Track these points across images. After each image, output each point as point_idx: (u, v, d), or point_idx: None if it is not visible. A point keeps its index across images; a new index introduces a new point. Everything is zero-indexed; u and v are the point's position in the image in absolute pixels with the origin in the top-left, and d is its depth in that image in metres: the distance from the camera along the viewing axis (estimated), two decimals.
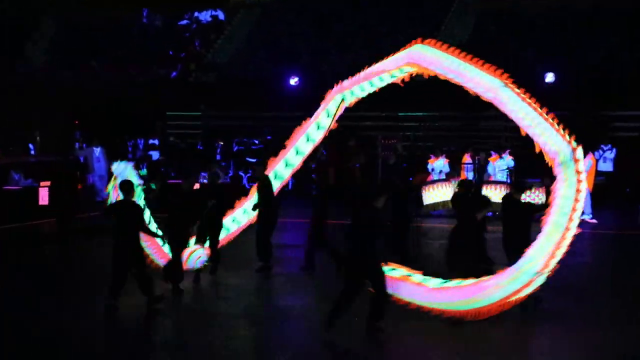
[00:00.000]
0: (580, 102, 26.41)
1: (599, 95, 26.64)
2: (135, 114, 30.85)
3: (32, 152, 28.82)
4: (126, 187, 11.85)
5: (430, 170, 23.11)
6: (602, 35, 30.34)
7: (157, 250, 13.89)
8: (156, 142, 29.95)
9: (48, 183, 20.79)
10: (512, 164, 22.18)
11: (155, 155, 28.87)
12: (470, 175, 22.73)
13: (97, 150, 25.76)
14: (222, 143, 27.77)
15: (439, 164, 23.23)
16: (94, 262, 15.92)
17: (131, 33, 37.51)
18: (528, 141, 25.46)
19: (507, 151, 22.55)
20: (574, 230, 10.64)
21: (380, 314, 10.31)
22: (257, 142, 28.02)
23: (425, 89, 29.04)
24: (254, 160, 26.61)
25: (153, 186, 21.44)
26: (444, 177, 22.59)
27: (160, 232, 13.15)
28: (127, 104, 31.27)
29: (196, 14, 37.18)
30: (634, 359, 9.81)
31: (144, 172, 21.67)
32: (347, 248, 10.62)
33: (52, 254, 17.12)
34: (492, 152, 22.91)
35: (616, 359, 9.79)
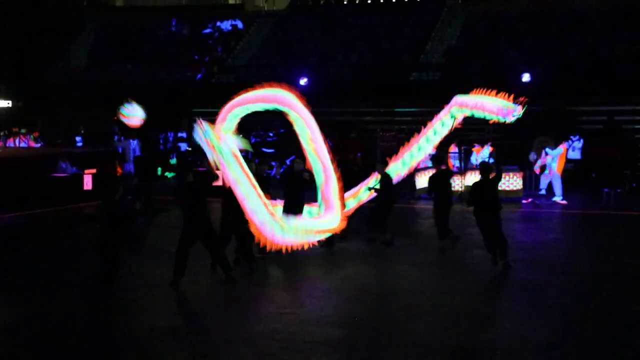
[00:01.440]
0: (552, 99, 26.38)
1: (569, 92, 26.61)
2: (166, 110, 30.88)
3: (80, 144, 28.90)
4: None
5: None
6: (573, 37, 30.26)
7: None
8: (184, 135, 30.02)
9: (92, 170, 20.95)
10: (492, 154, 22.27)
11: (183, 146, 28.95)
12: (457, 163, 22.79)
13: (133, 143, 25.84)
14: (240, 135, 27.79)
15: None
16: (128, 236, 16.12)
17: (162, 40, 37.55)
18: (507, 133, 25.62)
19: (489, 143, 22.60)
20: None
21: None
22: (271, 134, 28.05)
23: (417, 88, 29.26)
24: (269, 150, 26.68)
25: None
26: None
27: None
28: (158, 101, 31.32)
29: (218, 23, 37.16)
30: (609, 321, 9.79)
31: (174, 161, 21.72)
32: None
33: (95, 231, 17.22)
34: (476, 144, 22.95)
35: (592, 321, 9.78)
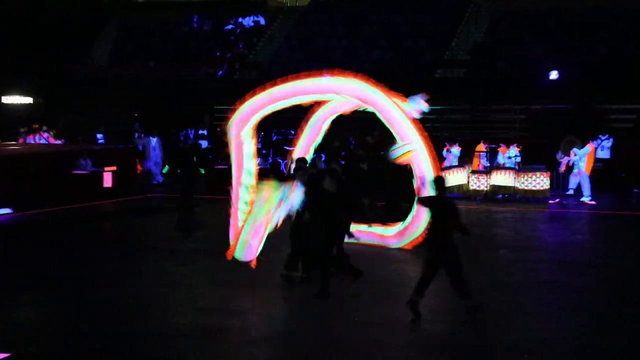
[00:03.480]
0: (580, 97, 26.15)
1: (597, 90, 26.35)
2: (187, 107, 31.03)
3: (102, 141, 29.12)
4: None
5: (445, 155, 22.99)
6: (603, 34, 29.98)
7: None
8: (205, 132, 30.11)
9: (112, 168, 21.08)
10: (518, 153, 22.16)
11: (204, 144, 29.04)
12: (484, 162, 22.69)
13: (154, 140, 25.98)
14: (262, 133, 27.84)
15: (455, 151, 23.14)
16: (150, 234, 16.22)
17: (183, 36, 37.70)
18: (534, 132, 25.45)
19: (515, 144, 22.51)
20: None
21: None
22: (293, 132, 28.01)
23: (442, 86, 29.12)
24: (291, 148, 26.65)
25: (202, 171, 21.66)
26: (457, 163, 22.59)
27: None
28: (180, 98, 31.47)
29: (240, 19, 37.25)
30: (634, 322, 9.69)
31: (195, 159, 21.79)
32: None
33: (115, 229, 17.34)
34: (502, 144, 22.85)
35: (620, 325, 9.65)
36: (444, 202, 9.94)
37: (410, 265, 12.96)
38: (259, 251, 11.42)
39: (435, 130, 26.34)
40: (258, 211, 11.30)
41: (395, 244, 13.91)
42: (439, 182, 10.18)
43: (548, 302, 10.62)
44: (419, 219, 13.31)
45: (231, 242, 11.75)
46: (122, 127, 30.83)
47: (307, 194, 11.11)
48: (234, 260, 11.76)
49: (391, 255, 13.55)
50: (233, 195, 12.09)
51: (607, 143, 24.46)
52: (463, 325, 9.55)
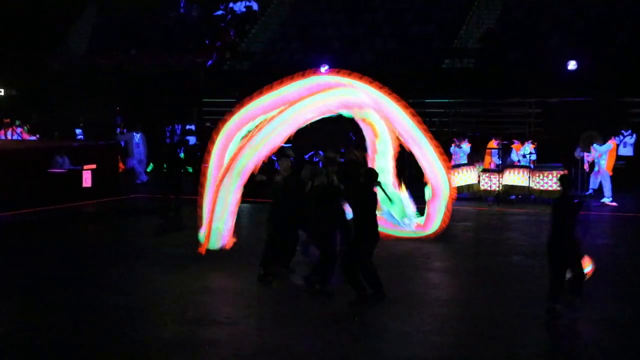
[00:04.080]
0: (601, 89, 26.16)
1: (620, 82, 26.36)
2: (173, 100, 31.01)
3: (80, 137, 29.10)
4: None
5: (453, 152, 23.00)
6: (625, 22, 29.97)
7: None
8: (193, 127, 30.11)
9: (92, 166, 21.07)
10: (533, 151, 22.12)
11: (192, 140, 29.04)
12: (496, 160, 22.70)
13: (137, 136, 25.99)
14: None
15: (464, 148, 23.13)
16: (133, 239, 16.22)
17: (169, 23, 37.66)
18: (550, 128, 25.44)
19: (529, 141, 22.49)
20: None
21: None
22: None
23: (450, 77, 29.12)
24: (287, 145, 26.62)
25: (190, 169, 21.67)
26: (466, 160, 22.59)
27: None
28: (165, 90, 31.46)
29: (231, 4, 37.21)
30: None
31: (182, 156, 21.81)
32: None
33: (95, 233, 17.34)
34: (515, 141, 22.84)
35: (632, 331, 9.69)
36: (569, 203, 10.31)
37: (412, 270, 12.97)
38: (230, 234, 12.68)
39: (442, 125, 26.42)
40: (223, 200, 12.44)
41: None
42: (564, 180, 10.58)
43: (565, 314, 10.61)
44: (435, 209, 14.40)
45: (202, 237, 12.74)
46: (102, 121, 30.81)
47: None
48: (223, 266, 11.88)
49: (392, 259, 13.53)
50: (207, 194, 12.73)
51: (630, 139, 24.49)
52: (473, 337, 9.56)
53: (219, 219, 12.70)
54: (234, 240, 13.10)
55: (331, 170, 11.42)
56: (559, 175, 18.24)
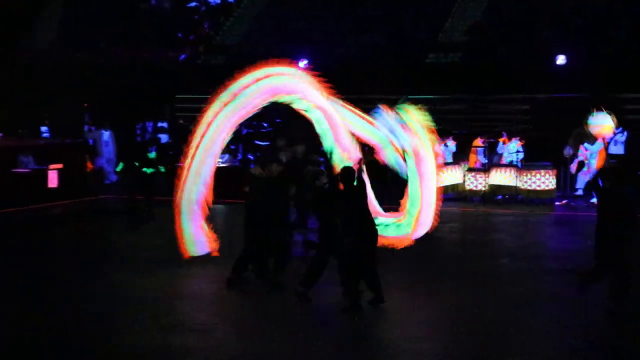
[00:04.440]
0: (592, 85, 26.33)
1: (611, 78, 26.55)
2: (144, 96, 30.90)
3: (46, 135, 28.92)
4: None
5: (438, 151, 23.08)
6: (617, 16, 30.16)
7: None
8: (165, 125, 30.00)
9: (59, 165, 20.97)
10: (521, 149, 22.23)
11: (164, 138, 28.93)
12: (482, 159, 22.82)
13: (106, 134, 25.90)
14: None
15: (450, 146, 23.20)
16: (102, 242, 16.17)
17: (140, 15, 37.50)
18: (538, 125, 25.53)
19: (517, 138, 22.59)
20: None
21: None
22: (266, 125, 28.00)
23: (436, 71, 29.22)
24: (263, 143, 26.66)
25: (162, 169, 21.60)
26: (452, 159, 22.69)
27: None
28: (136, 86, 31.33)
29: None
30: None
31: (153, 155, 21.69)
32: None
33: (62, 236, 17.25)
34: (504, 133, 22.92)
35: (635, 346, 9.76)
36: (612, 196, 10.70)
37: (397, 273, 13.00)
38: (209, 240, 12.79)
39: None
40: (186, 204, 12.65)
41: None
42: (604, 173, 11.03)
43: (556, 318, 10.70)
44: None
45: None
46: (69, 119, 30.63)
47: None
48: (197, 271, 11.89)
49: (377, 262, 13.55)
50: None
51: (621, 137, 24.62)
52: (461, 343, 9.62)
53: (186, 223, 12.85)
54: (216, 244, 13.03)
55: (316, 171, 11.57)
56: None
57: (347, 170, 11.10)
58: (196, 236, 12.89)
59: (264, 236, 12.14)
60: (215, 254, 12.90)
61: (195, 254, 12.92)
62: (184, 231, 12.82)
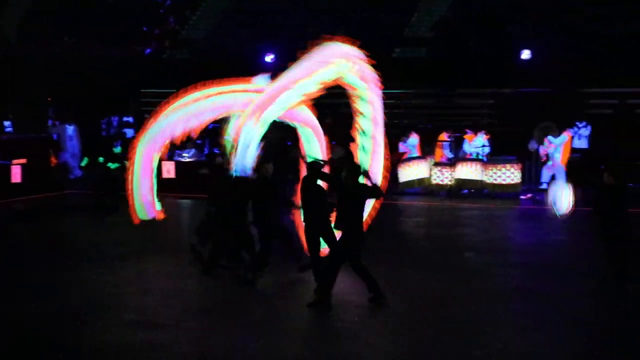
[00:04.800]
0: (556, 79, 26.53)
1: (575, 73, 26.76)
2: (109, 91, 30.68)
3: (9, 129, 28.61)
4: None
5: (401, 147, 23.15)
6: (583, 10, 30.37)
7: None
8: (130, 119, 29.82)
9: (22, 160, 20.78)
10: (487, 143, 22.35)
11: (129, 132, 28.77)
12: (448, 153, 22.93)
13: (70, 129, 25.68)
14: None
15: (411, 141, 23.25)
16: (68, 238, 16.04)
17: (104, 9, 37.19)
18: (504, 119, 25.66)
19: (482, 132, 22.70)
20: None
21: None
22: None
23: (401, 66, 29.26)
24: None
25: (127, 164, 21.46)
26: (416, 153, 22.76)
27: None
28: (101, 80, 31.08)
29: None
30: (624, 338, 9.85)
31: (118, 149, 21.65)
32: None
33: (26, 231, 17.09)
34: (468, 131, 23.06)
35: (603, 337, 9.82)
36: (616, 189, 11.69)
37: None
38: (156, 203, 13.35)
39: (393, 117, 26.53)
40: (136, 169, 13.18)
41: None
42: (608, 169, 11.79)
43: (521, 312, 10.78)
44: None
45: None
46: (33, 113, 30.33)
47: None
48: (164, 266, 11.85)
49: None
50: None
51: (585, 131, 24.89)
52: (427, 337, 9.65)
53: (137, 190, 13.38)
54: (162, 215, 13.61)
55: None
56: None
57: (355, 165, 11.15)
58: (144, 201, 13.37)
59: (232, 230, 12.14)
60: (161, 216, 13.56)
61: (145, 218, 13.40)
62: (134, 197, 13.30)
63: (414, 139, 23.15)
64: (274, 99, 12.19)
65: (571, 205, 17.33)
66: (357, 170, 11.04)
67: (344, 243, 10.85)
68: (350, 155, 13.11)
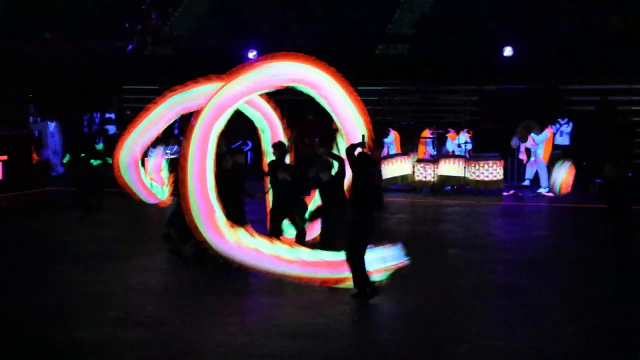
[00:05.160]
0: (538, 76, 26.60)
1: (557, 69, 26.84)
2: (91, 87, 30.53)
3: None
4: None
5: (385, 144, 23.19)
6: (564, 6, 30.47)
7: None
8: (112, 116, 29.69)
9: (3, 157, 20.67)
10: (469, 140, 22.39)
11: (112, 129, 28.63)
12: (431, 150, 22.96)
13: (52, 125, 25.54)
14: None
15: (390, 136, 23.25)
16: (50, 235, 15.94)
17: (85, 4, 37.00)
18: (486, 116, 25.77)
19: (465, 129, 22.76)
20: None
21: None
22: None
23: (384, 63, 29.27)
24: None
25: (110, 161, 21.34)
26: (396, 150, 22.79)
27: None
28: (83, 77, 30.93)
29: None
30: (606, 333, 9.89)
31: (101, 146, 21.46)
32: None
33: (7, 229, 16.99)
34: (450, 130, 23.14)
35: (586, 333, 9.85)
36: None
37: None
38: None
39: (376, 113, 26.55)
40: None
41: None
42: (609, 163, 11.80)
43: (504, 308, 10.80)
44: None
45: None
46: (14, 109, 30.11)
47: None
48: (146, 263, 11.84)
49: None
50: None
51: (567, 128, 24.99)
52: (410, 333, 9.66)
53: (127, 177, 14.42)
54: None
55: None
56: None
57: (366, 155, 11.31)
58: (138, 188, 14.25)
59: None
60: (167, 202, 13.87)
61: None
62: (130, 185, 14.28)
63: (391, 136, 23.17)
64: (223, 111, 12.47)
65: (569, 185, 17.54)
66: (365, 158, 11.17)
67: (355, 231, 10.85)
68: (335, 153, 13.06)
